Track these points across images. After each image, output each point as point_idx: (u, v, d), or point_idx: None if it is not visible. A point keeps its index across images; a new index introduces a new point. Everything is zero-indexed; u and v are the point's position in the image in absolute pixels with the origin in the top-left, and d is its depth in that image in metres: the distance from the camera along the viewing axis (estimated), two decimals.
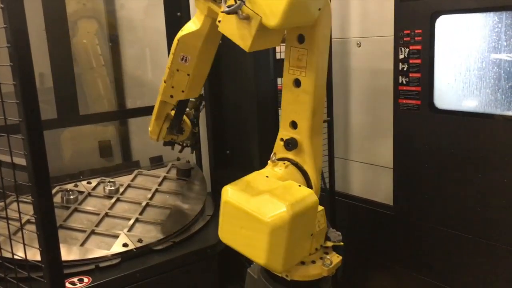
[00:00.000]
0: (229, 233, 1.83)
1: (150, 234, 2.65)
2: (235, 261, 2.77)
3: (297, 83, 1.95)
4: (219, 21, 1.78)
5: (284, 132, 2.04)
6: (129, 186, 3.07)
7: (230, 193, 1.81)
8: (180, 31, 2.23)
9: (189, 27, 2.20)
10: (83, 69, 3.60)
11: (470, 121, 2.61)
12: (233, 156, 3.39)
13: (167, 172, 3.25)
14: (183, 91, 2.37)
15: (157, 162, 3.42)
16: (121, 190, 3.00)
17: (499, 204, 2.50)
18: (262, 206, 1.71)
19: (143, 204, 2.88)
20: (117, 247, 2.49)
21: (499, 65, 2.55)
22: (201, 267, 2.66)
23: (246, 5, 1.64)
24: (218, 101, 3.38)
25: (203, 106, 2.95)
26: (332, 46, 3.17)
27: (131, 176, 3.17)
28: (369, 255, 3.24)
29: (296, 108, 1.98)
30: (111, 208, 2.82)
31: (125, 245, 2.50)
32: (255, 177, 1.93)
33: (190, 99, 2.77)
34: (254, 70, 3.04)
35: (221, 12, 1.73)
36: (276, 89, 3.07)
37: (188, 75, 2.31)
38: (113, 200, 2.89)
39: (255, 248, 1.74)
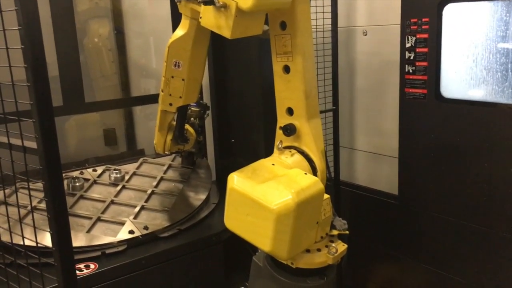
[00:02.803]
0: (234, 220, 1.85)
1: (156, 221, 2.67)
2: (240, 249, 2.79)
3: (286, 69, 2.02)
4: (201, 17, 1.87)
5: (282, 120, 2.09)
6: (134, 174, 3.09)
7: (236, 180, 1.83)
8: (170, 39, 2.31)
9: (177, 33, 2.28)
10: (89, 56, 3.61)
11: (477, 110, 2.60)
12: (238, 145, 3.40)
13: (172, 160, 3.27)
14: (180, 97, 2.42)
15: None
16: (127, 177, 3.02)
17: (505, 194, 2.51)
18: (267, 194, 1.73)
19: (149, 191, 2.90)
20: (123, 234, 2.51)
21: (507, 54, 2.54)
22: (206, 255, 2.68)
23: None
24: (222, 89, 3.39)
25: (207, 115, 3.02)
26: (337, 35, 3.17)
27: (136, 164, 3.19)
28: (374, 244, 3.26)
29: (289, 94, 2.04)
30: (116, 195, 2.85)
31: (131, 232, 2.53)
32: (261, 165, 1.95)
33: (194, 109, 2.86)
34: (259, 56, 3.04)
35: (198, 2, 1.84)
36: None
37: (183, 80, 2.37)
38: (118, 187, 2.91)
39: (261, 235, 1.76)
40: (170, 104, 2.47)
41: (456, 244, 2.78)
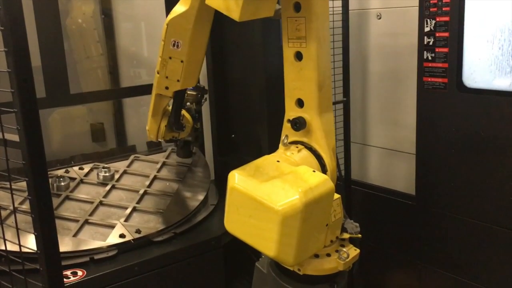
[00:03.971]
0: (236, 222, 1.85)
1: (149, 224, 2.68)
2: (242, 254, 2.79)
3: (298, 56, 1.99)
4: None
5: (291, 113, 2.07)
6: (125, 172, 3.09)
7: (237, 178, 1.83)
8: (168, 15, 2.27)
9: (178, 9, 2.23)
10: (73, 44, 3.60)
11: (504, 101, 2.59)
12: (239, 141, 3.40)
13: (166, 158, 3.27)
14: (178, 81, 2.38)
15: (155, 146, 3.44)
16: (117, 176, 3.02)
17: None
18: (272, 193, 1.72)
19: (141, 192, 2.90)
20: (113, 238, 2.51)
21: None
22: (205, 261, 2.68)
23: None
24: (222, 79, 3.39)
25: (205, 100, 2.98)
26: (349, 18, 3.16)
27: (127, 162, 3.19)
28: (388, 250, 3.26)
29: (300, 84, 2.01)
30: (106, 196, 2.85)
31: (122, 236, 2.53)
32: (264, 162, 1.94)
33: (191, 92, 2.82)
34: (263, 41, 3.03)
35: None
36: None
37: (182, 61, 2.32)
38: (108, 187, 2.91)
39: (265, 239, 1.75)
40: (166, 88, 2.44)
41: (480, 249, 2.77)
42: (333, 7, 3.13)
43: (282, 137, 2.14)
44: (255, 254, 2.68)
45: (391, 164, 3.27)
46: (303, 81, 2.00)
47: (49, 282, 1.26)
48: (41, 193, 1.23)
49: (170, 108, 2.62)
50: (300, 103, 2.04)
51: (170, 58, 2.33)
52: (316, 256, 2.01)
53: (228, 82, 3.37)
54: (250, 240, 1.83)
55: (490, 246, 2.72)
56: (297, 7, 1.94)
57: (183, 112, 2.74)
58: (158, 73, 2.41)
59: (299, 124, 2.04)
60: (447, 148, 2.84)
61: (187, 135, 2.86)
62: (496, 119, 2.62)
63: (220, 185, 3.34)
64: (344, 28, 3.17)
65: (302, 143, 2.07)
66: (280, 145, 2.11)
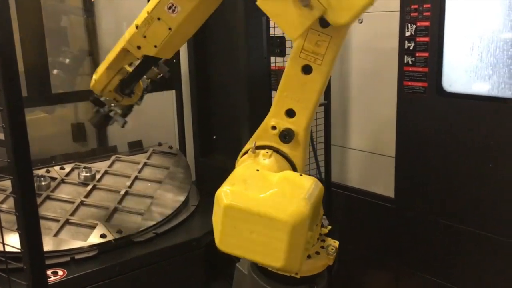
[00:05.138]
0: (233, 241, 1.72)
1: (130, 224, 2.69)
2: (223, 255, 2.81)
3: (306, 69, 1.90)
4: None
5: (276, 120, 1.98)
6: (106, 172, 3.09)
7: (231, 196, 1.73)
8: None
9: None
10: (55, 43, 3.59)
11: (482, 106, 2.66)
12: (220, 142, 3.42)
13: (148, 158, 3.28)
14: (155, 46, 2.17)
15: (136, 147, 3.44)
16: (98, 176, 3.02)
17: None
18: (275, 204, 1.67)
19: (122, 192, 2.91)
20: (94, 238, 2.52)
21: None
22: (186, 261, 2.70)
23: None
24: (203, 80, 3.41)
25: (160, 78, 2.68)
26: None
27: (108, 162, 3.19)
28: (367, 252, 3.31)
29: (299, 96, 1.94)
30: (87, 196, 2.85)
31: (103, 236, 2.54)
32: (247, 173, 1.86)
33: (154, 68, 2.60)
34: (245, 47, 3.06)
35: None
36: (269, 69, 3.10)
37: (170, 29, 2.13)
38: (89, 187, 2.91)
39: (270, 252, 1.70)
40: (138, 47, 2.20)
41: (458, 252, 2.83)
42: None
43: (252, 141, 2.05)
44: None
45: (371, 167, 3.33)
46: (303, 94, 1.92)
47: (33, 281, 1.27)
48: (26, 192, 1.24)
49: (128, 68, 2.42)
50: (290, 113, 1.96)
51: (158, 19, 2.10)
52: (308, 257, 2.02)
53: (210, 83, 3.40)
54: (252, 255, 1.75)
55: (467, 249, 2.78)
56: (324, 23, 1.81)
57: (140, 82, 2.56)
58: (136, 27, 2.17)
59: (288, 137, 1.97)
60: (426, 152, 2.90)
61: (121, 107, 2.58)
62: (475, 123, 2.69)
63: (201, 185, 3.37)
64: None
65: (270, 147, 2.00)
66: (249, 152, 2.00)
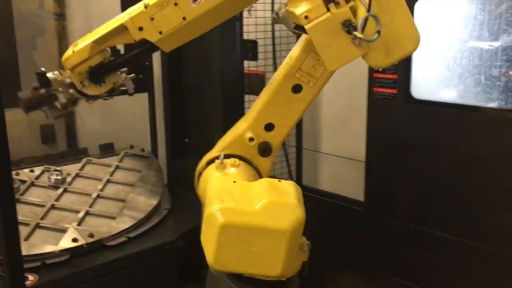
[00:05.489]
0: (229, 258, 1.72)
1: (102, 228, 2.67)
2: (196, 258, 2.83)
3: (297, 89, 1.95)
4: (306, 17, 1.63)
5: (255, 132, 2.01)
6: (77, 175, 3.06)
7: (226, 214, 1.68)
8: None
9: None
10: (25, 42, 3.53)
11: (449, 113, 2.76)
12: (193, 145, 3.43)
13: (120, 161, 3.26)
14: (160, 33, 1.93)
15: (107, 149, 3.41)
16: (69, 179, 2.98)
17: (477, 200, 2.67)
18: (271, 215, 1.68)
19: (94, 195, 2.89)
20: (65, 242, 2.49)
21: (480, 54, 2.71)
22: (159, 265, 2.70)
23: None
24: (177, 83, 3.41)
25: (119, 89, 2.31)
26: None
27: (79, 165, 3.16)
28: (338, 254, 3.37)
29: (283, 112, 1.98)
30: (57, 199, 2.81)
31: (74, 240, 2.51)
32: (226, 187, 1.84)
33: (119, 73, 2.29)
34: (220, 50, 3.08)
35: (358, 37, 1.60)
36: (243, 73, 3.13)
37: (184, 19, 1.91)
38: (59, 190, 2.88)
39: (268, 262, 1.70)
40: (140, 29, 1.93)
41: (427, 254, 2.91)
42: None
43: (219, 151, 2.06)
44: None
45: (341, 171, 3.39)
46: (287, 111, 1.97)
47: (12, 287, 1.26)
48: (5, 195, 1.23)
49: (108, 54, 2.13)
50: (269, 127, 2.00)
51: (175, 4, 1.89)
52: None
53: (183, 86, 3.40)
54: (249, 269, 1.75)
55: (436, 252, 2.87)
56: None
57: (120, 73, 2.25)
58: (146, 7, 1.92)
59: (268, 151, 2.02)
60: (395, 156, 2.98)
61: (69, 96, 2.17)
62: (442, 129, 2.78)
63: (173, 189, 3.37)
64: (297, 37, 3.27)
65: (235, 155, 2.04)
66: (217, 163, 1.98)
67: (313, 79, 1.94)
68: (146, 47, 2.00)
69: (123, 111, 3.62)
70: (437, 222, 2.84)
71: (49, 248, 2.42)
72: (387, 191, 3.06)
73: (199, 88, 3.33)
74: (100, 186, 2.98)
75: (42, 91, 2.15)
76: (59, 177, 2.95)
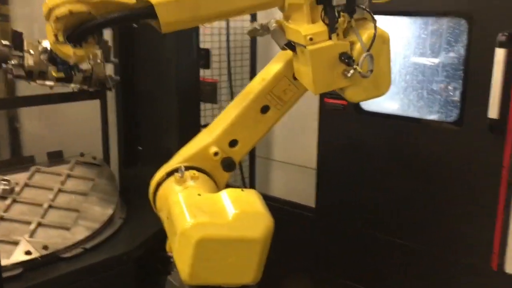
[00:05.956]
0: (205, 272, 1.76)
1: (56, 240, 2.60)
2: (154, 268, 2.82)
3: (265, 109, 2.04)
4: (311, 39, 1.69)
5: (219, 147, 2.06)
6: (26, 185, 2.94)
7: (202, 229, 1.73)
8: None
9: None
10: None
11: (394, 124, 2.93)
12: (147, 153, 3.41)
13: (71, 170, 3.17)
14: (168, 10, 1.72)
15: (56, 157, 3.30)
16: (17, 189, 2.87)
17: (421, 206, 2.86)
18: (245, 225, 1.73)
19: (45, 205, 2.79)
20: (18, 255, 2.41)
21: (423, 70, 2.90)
22: (117, 276, 2.66)
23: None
24: (130, 89, 3.37)
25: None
26: (256, 37, 3.35)
27: (27, 174, 3.04)
28: (289, 259, 3.46)
29: (248, 130, 2.06)
30: (6, 210, 2.70)
31: (28, 252, 2.43)
32: (193, 201, 1.86)
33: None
34: (176, 58, 3.08)
35: (355, 71, 1.68)
36: (199, 81, 3.16)
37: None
38: (8, 201, 2.76)
39: (241, 270, 1.76)
40: None
41: (376, 258, 3.08)
42: (242, 27, 3.30)
43: (179, 163, 2.09)
44: (166, 267, 2.73)
45: (294, 178, 3.49)
46: (252, 130, 2.05)
47: None
48: None
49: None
50: (233, 143, 2.06)
51: None
52: None
53: (137, 96, 3.37)
54: (224, 279, 1.79)
55: (385, 255, 3.03)
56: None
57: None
58: None
59: (231, 166, 2.07)
60: (346, 165, 3.12)
61: (41, 63, 2.02)
62: (388, 139, 2.96)
63: (126, 197, 3.32)
64: (252, 45, 3.35)
65: (193, 167, 2.07)
66: (177, 176, 2.00)
67: (281, 102, 2.04)
68: (141, 10, 1.76)
69: (71, 118, 3.54)
70: (385, 227, 3.01)
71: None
72: (337, 197, 3.20)
73: (154, 95, 3.32)
74: (51, 196, 2.89)
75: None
76: (6, 187, 2.83)
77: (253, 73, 3.40)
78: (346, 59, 1.70)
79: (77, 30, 1.83)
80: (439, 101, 2.94)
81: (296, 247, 3.43)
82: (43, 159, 3.31)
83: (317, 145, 3.24)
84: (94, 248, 2.67)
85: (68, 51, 1.85)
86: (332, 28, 1.70)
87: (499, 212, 2.56)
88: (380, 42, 1.74)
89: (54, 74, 2.04)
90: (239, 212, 1.76)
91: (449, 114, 2.87)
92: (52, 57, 1.99)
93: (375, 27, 1.73)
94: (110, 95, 3.41)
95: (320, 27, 1.71)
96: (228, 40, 3.36)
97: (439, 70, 2.90)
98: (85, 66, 2.22)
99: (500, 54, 2.45)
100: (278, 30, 1.88)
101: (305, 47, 1.70)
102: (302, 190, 3.43)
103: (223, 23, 3.32)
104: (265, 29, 1.95)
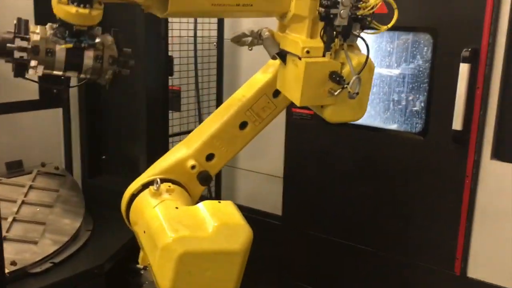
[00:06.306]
0: (187, 285, 1.75)
1: (24, 255, 2.51)
2: (125, 281, 2.78)
3: (243, 125, 2.07)
4: (308, 52, 1.73)
5: (197, 161, 2.05)
6: None
7: (184, 243, 1.71)
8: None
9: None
10: None
11: (360, 133, 3.02)
12: (111, 161, 3.33)
13: (33, 180, 3.06)
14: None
15: (15, 168, 3.18)
16: None
17: (386, 213, 2.96)
18: (225, 237, 1.73)
19: (9, 219, 2.69)
20: None
21: (389, 82, 3.01)
22: None
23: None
24: (94, 95, 3.28)
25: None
26: (223, 46, 3.36)
27: None
28: (255, 267, 3.47)
29: (226, 145, 2.07)
30: None
31: None
32: (171, 214, 1.84)
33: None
34: (144, 66, 3.02)
35: (347, 88, 1.73)
36: (168, 89, 3.12)
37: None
38: None
39: (221, 283, 1.77)
40: None
41: (340, 265, 3.16)
42: (209, 36, 3.30)
43: (154, 175, 2.06)
44: (136, 281, 2.69)
45: (259, 186, 3.53)
46: (230, 146, 2.08)
47: None
48: None
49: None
50: (210, 157, 2.07)
51: None
52: None
53: (102, 102, 3.29)
54: None
55: (351, 262, 3.12)
56: (276, 93, 2.02)
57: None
58: None
59: (208, 180, 2.08)
60: (312, 173, 3.18)
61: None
62: (354, 148, 3.05)
63: (91, 208, 3.23)
64: (219, 56, 3.37)
65: (168, 180, 2.05)
66: (151, 190, 1.95)
67: (259, 119, 2.08)
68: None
69: (30, 126, 3.41)
70: (351, 234, 3.09)
71: None
72: (303, 205, 3.26)
73: (119, 103, 3.24)
74: (14, 209, 2.78)
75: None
76: None
77: (219, 82, 3.40)
78: (337, 77, 1.75)
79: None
80: (404, 112, 3.06)
81: (262, 255, 3.46)
82: (1, 169, 3.17)
83: (284, 153, 3.28)
84: (64, 262, 2.60)
85: (71, 9, 1.66)
86: (328, 46, 1.75)
87: (462, 219, 2.70)
88: (367, 69, 1.81)
89: (62, 46, 1.81)
90: (219, 224, 1.75)
91: (414, 125, 2.99)
92: (60, 33, 1.79)
93: (368, 52, 1.81)
94: (73, 102, 3.32)
95: (318, 42, 1.76)
96: (195, 50, 3.35)
97: (405, 82, 3.01)
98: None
99: (464, 68, 2.58)
100: (270, 39, 1.90)
101: (300, 58, 1.74)
102: (269, 198, 3.47)
103: (190, 32, 3.31)
104: (255, 36, 1.97)
